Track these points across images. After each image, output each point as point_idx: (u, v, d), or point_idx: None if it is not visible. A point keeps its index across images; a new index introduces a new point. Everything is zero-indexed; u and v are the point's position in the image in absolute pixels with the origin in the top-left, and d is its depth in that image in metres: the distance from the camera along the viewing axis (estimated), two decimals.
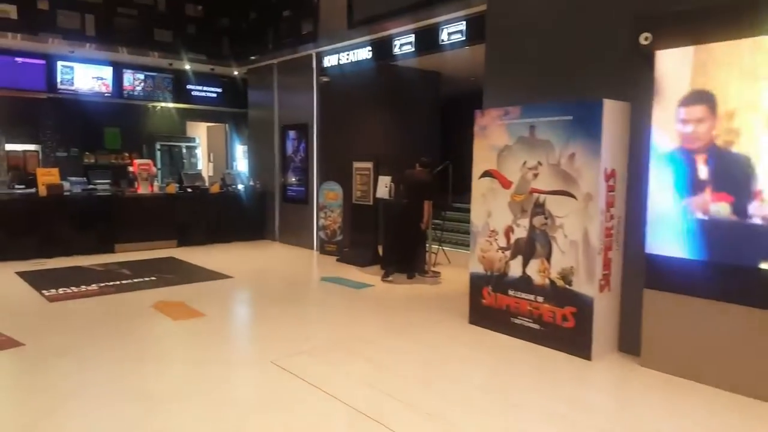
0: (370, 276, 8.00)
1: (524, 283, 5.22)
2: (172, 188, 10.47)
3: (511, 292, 5.33)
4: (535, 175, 5.08)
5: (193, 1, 11.85)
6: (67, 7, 10.25)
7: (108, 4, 10.72)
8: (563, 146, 4.87)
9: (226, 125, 14.20)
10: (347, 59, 9.35)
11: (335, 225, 9.67)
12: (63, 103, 11.51)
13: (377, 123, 10.55)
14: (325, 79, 9.88)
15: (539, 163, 5.05)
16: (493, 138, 5.43)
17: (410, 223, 7.65)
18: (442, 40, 7.73)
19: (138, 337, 5.17)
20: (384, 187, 8.45)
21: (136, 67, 12.05)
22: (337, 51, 9.51)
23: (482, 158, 5.55)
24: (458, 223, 10.68)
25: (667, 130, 4.42)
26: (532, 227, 5.13)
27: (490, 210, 5.49)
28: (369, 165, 8.96)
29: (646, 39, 4.66)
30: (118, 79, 11.86)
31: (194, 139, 13.88)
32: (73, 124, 11.76)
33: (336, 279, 7.81)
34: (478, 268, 5.64)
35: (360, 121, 10.35)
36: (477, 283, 5.66)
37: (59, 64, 11.17)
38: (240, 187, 11.43)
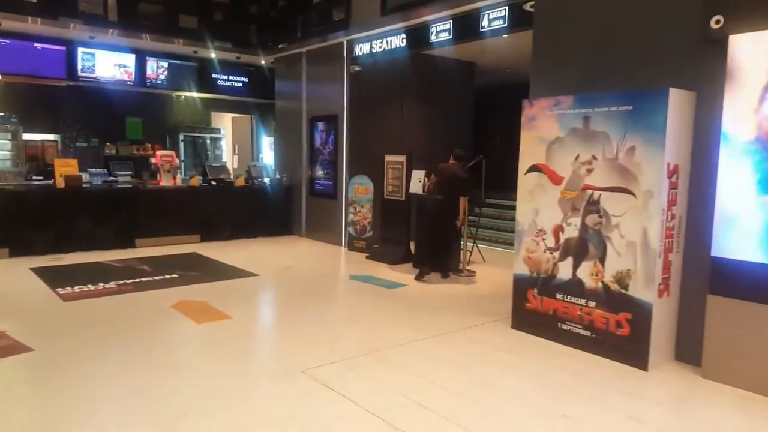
0: (402, 275, 7.64)
1: (574, 286, 4.81)
2: (196, 181, 10.21)
3: (559, 296, 4.93)
4: (589, 170, 4.67)
5: None
6: None
7: None
8: (621, 139, 4.45)
9: (252, 116, 13.94)
10: (380, 47, 8.96)
11: (365, 221, 9.32)
12: (83, 91, 11.31)
13: (410, 114, 10.25)
14: (356, 68, 9.51)
15: (594, 157, 4.63)
16: (543, 130, 5.02)
17: (445, 220, 7.26)
18: (483, 27, 7.30)
19: (157, 343, 4.85)
20: (418, 182, 8.07)
21: (160, 55, 11.77)
22: (369, 39, 9.13)
23: (529, 151, 5.14)
24: (492, 220, 10.29)
25: (744, 120, 3.96)
26: (584, 226, 4.72)
27: (538, 207, 5.08)
28: (402, 159, 8.58)
29: (717, 23, 4.22)
30: (140, 67, 11.61)
31: (219, 130, 13.65)
32: (93, 114, 11.58)
33: (366, 278, 7.46)
34: (523, 270, 5.24)
35: (392, 113, 10.04)
36: (521, 286, 5.26)
37: (80, 50, 10.91)
38: (266, 180, 11.14)
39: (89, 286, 6.62)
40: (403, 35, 8.56)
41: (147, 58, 11.66)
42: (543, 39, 5.55)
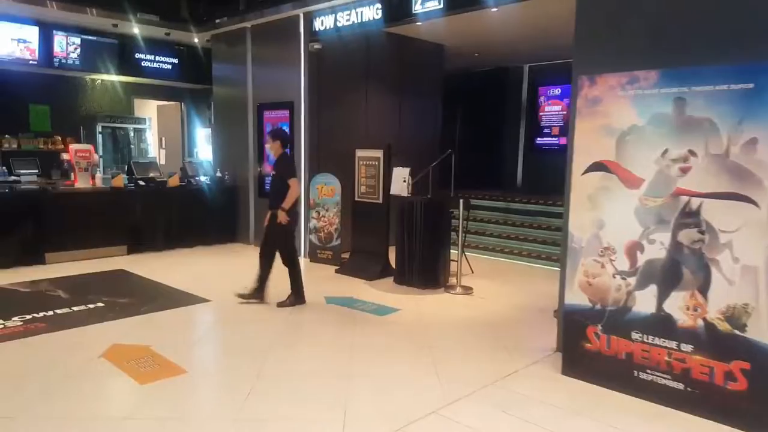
0: (387, 294, 6.33)
1: (660, 323, 3.65)
2: (120, 181, 8.38)
3: (636, 336, 3.75)
4: (684, 170, 3.51)
5: None
6: None
7: None
8: (734, 128, 3.31)
9: (182, 104, 12.05)
10: (347, 21, 7.51)
11: (331, 227, 7.89)
12: None
13: (378, 102, 8.96)
14: (316, 46, 8.02)
15: (691, 153, 3.47)
16: (611, 116, 3.82)
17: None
18: None
19: (85, 424, 3.28)
20: (402, 181, 6.75)
21: (71, 29, 9.62)
22: (333, 10, 7.64)
23: (590, 144, 3.93)
24: (474, 223, 9.17)
25: None
26: (676, 245, 3.56)
27: (603, 218, 3.88)
28: (378, 154, 7.22)
29: None
30: (46, 42, 9.40)
31: (144, 120, 11.69)
32: None
33: (345, 300, 6.06)
34: (580, 299, 4.02)
35: (360, 99, 8.69)
36: (577, 320, 4.05)
37: None
38: (204, 179, 9.45)
39: None
40: (378, 5, 7.15)
41: (54, 32, 9.46)
42: None
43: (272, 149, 5.79)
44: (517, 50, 10.08)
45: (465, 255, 7.50)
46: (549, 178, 11.25)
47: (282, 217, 5.58)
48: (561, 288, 4.40)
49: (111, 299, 5.81)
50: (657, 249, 3.64)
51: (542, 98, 11.53)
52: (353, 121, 8.56)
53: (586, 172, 3.95)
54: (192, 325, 5.31)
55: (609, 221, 3.85)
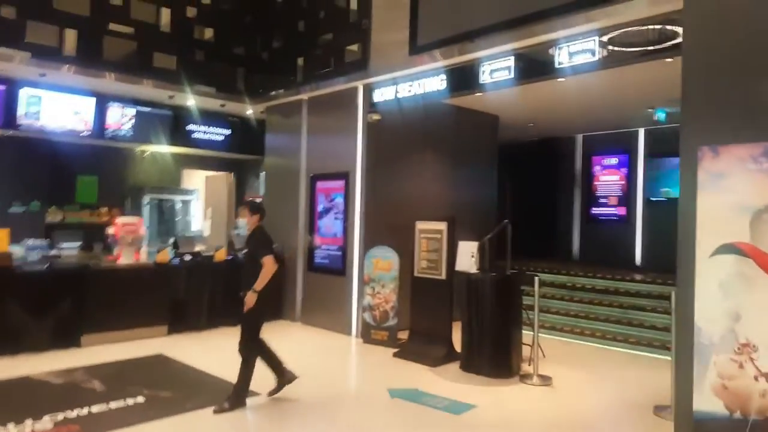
0: (457, 385, 5.64)
1: None
2: (165, 256, 7.95)
3: None
4: None
5: (203, 22, 9.60)
6: (41, 17, 7.79)
7: (97, 18, 8.29)
8: None
9: (231, 174, 11.87)
10: (409, 92, 7.22)
11: (387, 305, 7.29)
12: (25, 142, 9.08)
13: (438, 172, 8.79)
14: (375, 116, 7.73)
15: None
16: (741, 192, 3.28)
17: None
18: (560, 63, 5.66)
19: None
20: (469, 257, 6.20)
21: (127, 100, 9.56)
22: (394, 82, 7.40)
23: (717, 223, 3.35)
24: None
25: None
26: None
27: (738, 310, 3.26)
28: (441, 226, 6.70)
29: None
30: (101, 113, 9.33)
31: (192, 191, 11.49)
32: (36, 170, 9.35)
33: (411, 393, 5.36)
34: (713, 405, 3.32)
35: (416, 170, 8.43)
36: (711, 430, 3.31)
37: (25, 91, 8.56)
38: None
39: (9, 428, 4.30)
40: (443, 76, 6.86)
41: (110, 103, 9.42)
42: (708, 50, 3.77)
43: (249, 223, 5.22)
44: (574, 119, 9.86)
45: (537, 338, 6.77)
46: (608, 250, 10.78)
47: (250, 301, 4.89)
48: (678, 387, 3.70)
49: (151, 392, 5.21)
50: None
51: (597, 167, 11.37)
52: (410, 191, 8.18)
53: (715, 254, 3.32)
54: (239, 427, 4.66)
55: (747, 313, 3.23)
